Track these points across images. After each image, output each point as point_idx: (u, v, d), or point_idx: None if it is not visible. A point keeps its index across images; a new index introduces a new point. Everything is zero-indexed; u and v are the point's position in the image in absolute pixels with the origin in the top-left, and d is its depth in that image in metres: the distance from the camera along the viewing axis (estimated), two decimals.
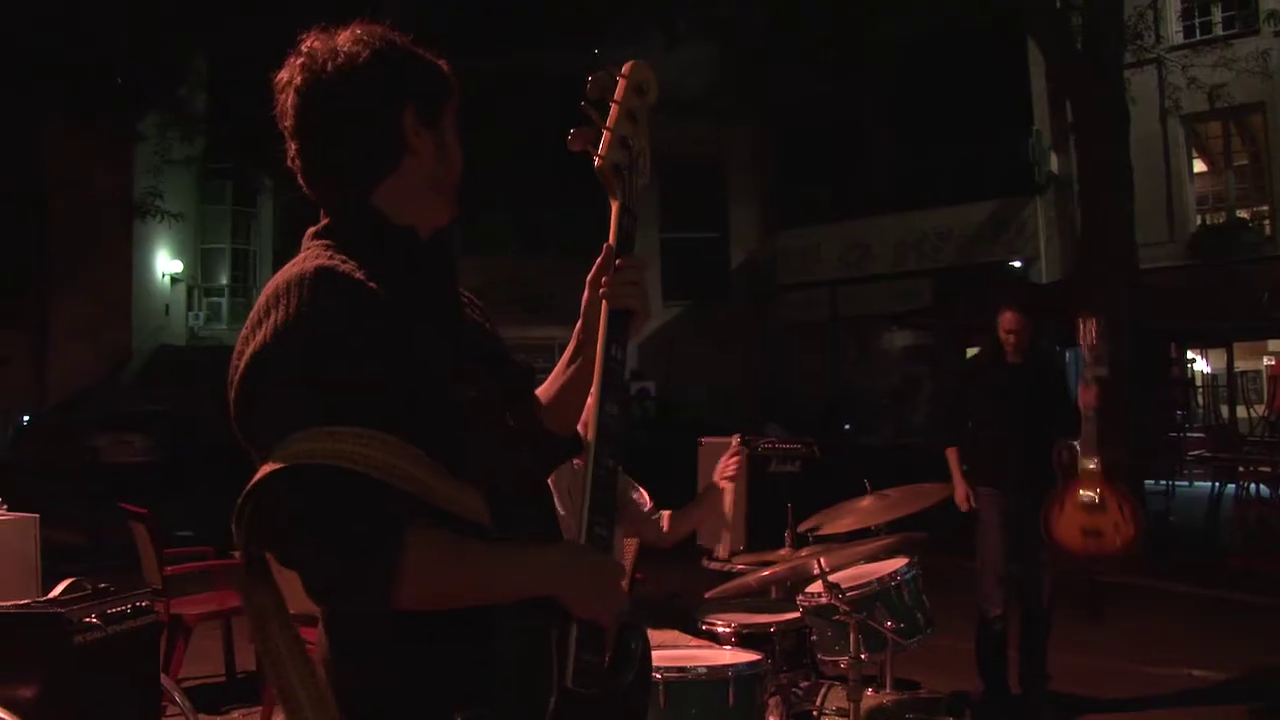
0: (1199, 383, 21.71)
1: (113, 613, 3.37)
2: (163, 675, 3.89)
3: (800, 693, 3.76)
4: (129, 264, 26.55)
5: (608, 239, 1.85)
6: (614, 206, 1.85)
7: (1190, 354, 20.95)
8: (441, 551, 1.48)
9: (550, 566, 1.60)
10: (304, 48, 1.67)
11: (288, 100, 1.66)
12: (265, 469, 1.43)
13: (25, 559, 4.76)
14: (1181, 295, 15.41)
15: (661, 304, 23.87)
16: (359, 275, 1.55)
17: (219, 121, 21.56)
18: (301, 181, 1.71)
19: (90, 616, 3.28)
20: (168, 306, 28.70)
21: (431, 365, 1.58)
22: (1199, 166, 19.84)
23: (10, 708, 3.09)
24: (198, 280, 30.28)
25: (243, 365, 1.52)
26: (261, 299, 1.55)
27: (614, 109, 1.84)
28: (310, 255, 1.60)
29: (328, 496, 1.41)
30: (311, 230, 1.69)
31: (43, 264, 26.73)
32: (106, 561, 8.14)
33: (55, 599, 3.46)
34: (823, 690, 3.68)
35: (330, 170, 1.69)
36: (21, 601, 3.49)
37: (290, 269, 1.57)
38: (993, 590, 5.44)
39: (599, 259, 1.84)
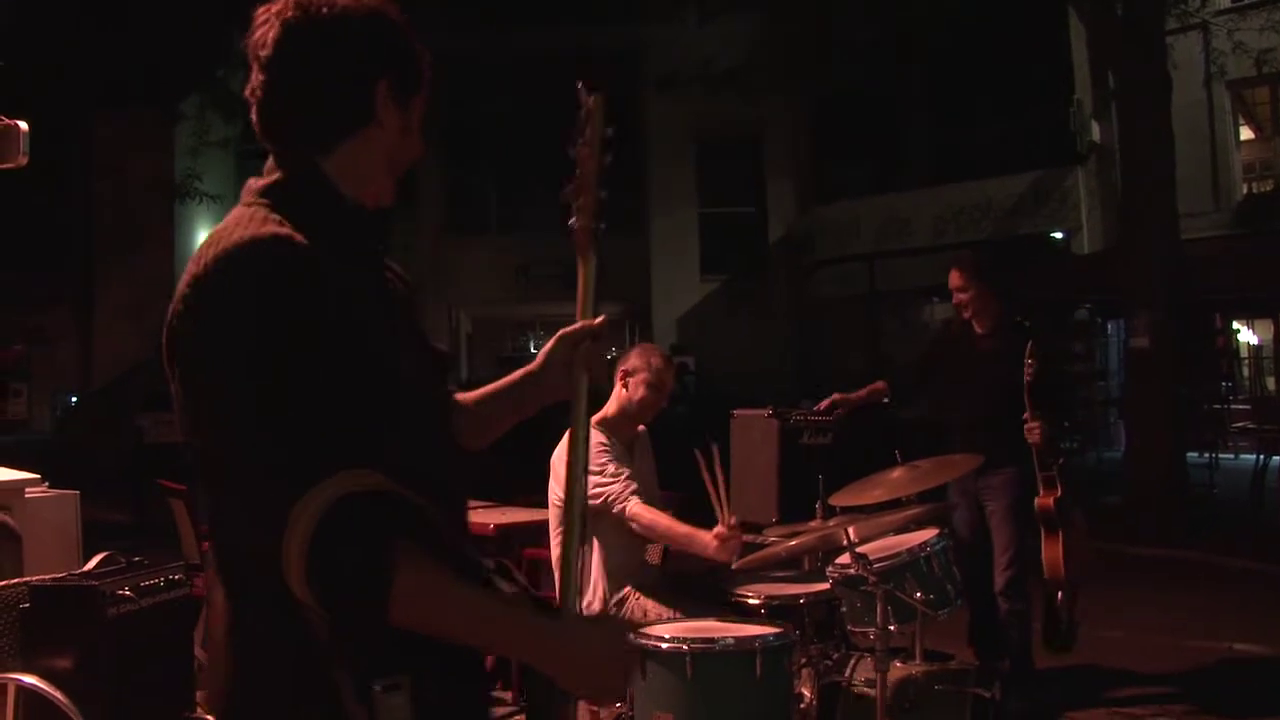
0: (1244, 354, 21.39)
1: (146, 585, 3.41)
2: (197, 648, 3.93)
3: (830, 663, 3.76)
4: (170, 246, 26.85)
5: (579, 296, 1.81)
6: (586, 267, 1.80)
7: (1235, 325, 20.63)
8: (430, 600, 1.46)
9: (545, 644, 1.56)
10: None
11: (269, 31, 1.61)
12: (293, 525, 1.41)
13: (67, 534, 4.83)
14: (1226, 265, 15.15)
15: (699, 279, 23.85)
16: (299, 240, 1.51)
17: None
18: (255, 120, 1.66)
19: (124, 589, 3.32)
20: None
21: (376, 340, 1.57)
22: (1245, 133, 19.46)
23: (48, 678, 3.14)
24: None
25: (182, 330, 1.51)
26: (207, 259, 1.51)
27: (590, 160, 1.81)
28: (256, 217, 1.55)
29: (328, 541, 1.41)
30: (259, 185, 1.63)
31: (87, 247, 27.09)
32: (150, 539, 8.26)
33: (89, 572, 3.51)
34: (852, 661, 3.67)
35: (293, 114, 1.64)
36: (57, 575, 3.54)
37: (235, 232, 1.52)
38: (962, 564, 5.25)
39: (583, 325, 1.81)
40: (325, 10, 1.61)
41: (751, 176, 24.00)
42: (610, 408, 4.45)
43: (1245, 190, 19.01)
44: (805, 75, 19.04)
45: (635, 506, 4.08)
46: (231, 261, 1.48)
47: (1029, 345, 4.80)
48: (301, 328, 1.46)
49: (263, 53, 1.62)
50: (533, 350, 27.66)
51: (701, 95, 19.18)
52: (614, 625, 1.61)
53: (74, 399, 25.40)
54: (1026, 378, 4.78)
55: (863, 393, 5.43)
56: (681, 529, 4.09)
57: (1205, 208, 17.35)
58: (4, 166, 4.91)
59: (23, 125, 5.12)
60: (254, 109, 1.65)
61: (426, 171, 24.05)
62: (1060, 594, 5.01)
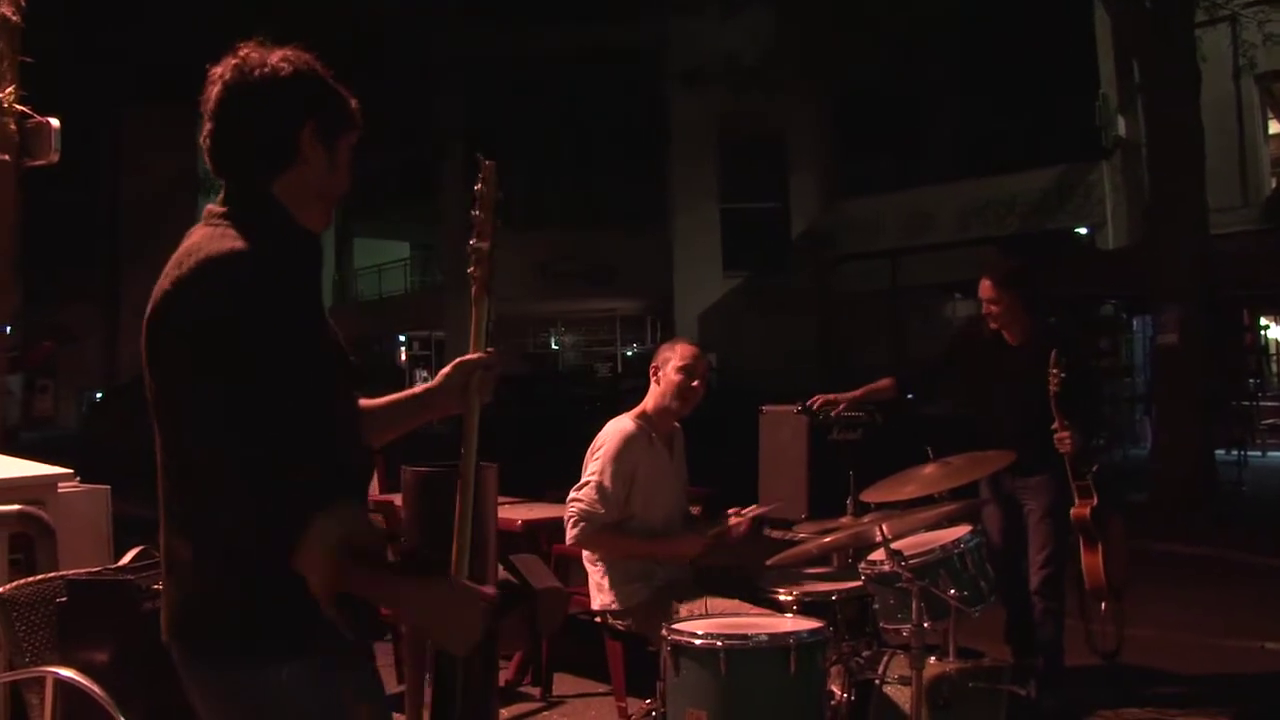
0: (1272, 350, 21.21)
1: None
2: None
3: (862, 661, 3.74)
4: None
5: (472, 333, 2.23)
6: (479, 309, 2.22)
7: (1264, 321, 20.46)
8: (330, 554, 1.73)
9: (413, 601, 1.85)
10: (240, 53, 1.96)
11: (214, 90, 1.96)
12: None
13: (98, 529, 4.85)
14: (1255, 261, 15.03)
15: (722, 275, 23.83)
16: (268, 255, 1.83)
17: None
18: (207, 161, 1.99)
19: (158, 584, 3.32)
20: None
21: (325, 345, 1.93)
22: (1275, 127, 19.28)
23: (85, 671, 3.15)
24: None
25: (164, 332, 1.82)
26: (189, 265, 1.83)
27: (485, 219, 2.25)
28: (227, 235, 1.86)
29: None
30: (219, 212, 1.95)
31: (113, 244, 27.30)
32: None
33: (124, 566, 3.51)
34: (885, 658, 3.65)
35: (232, 157, 1.98)
36: (92, 569, 3.54)
37: (211, 244, 1.84)
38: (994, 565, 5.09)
39: (478, 355, 2.22)
40: (257, 72, 1.94)
41: (774, 172, 23.94)
42: (648, 403, 4.47)
43: (1274, 185, 18.84)
44: (825, 71, 18.99)
45: (588, 531, 4.23)
46: (213, 269, 1.79)
47: (1053, 355, 4.69)
48: (275, 331, 1.76)
49: (208, 108, 1.97)
50: (554, 346, 27.74)
51: (725, 90, 19.11)
52: (460, 589, 1.92)
53: (99, 395, 25.60)
54: (1052, 388, 4.67)
55: (859, 392, 5.22)
56: (642, 543, 4.28)
57: (1233, 203, 17.20)
58: (37, 163, 4.95)
59: (54, 122, 5.15)
60: (205, 153, 1.99)
61: (448, 170, 24.08)
62: (1104, 604, 4.96)
